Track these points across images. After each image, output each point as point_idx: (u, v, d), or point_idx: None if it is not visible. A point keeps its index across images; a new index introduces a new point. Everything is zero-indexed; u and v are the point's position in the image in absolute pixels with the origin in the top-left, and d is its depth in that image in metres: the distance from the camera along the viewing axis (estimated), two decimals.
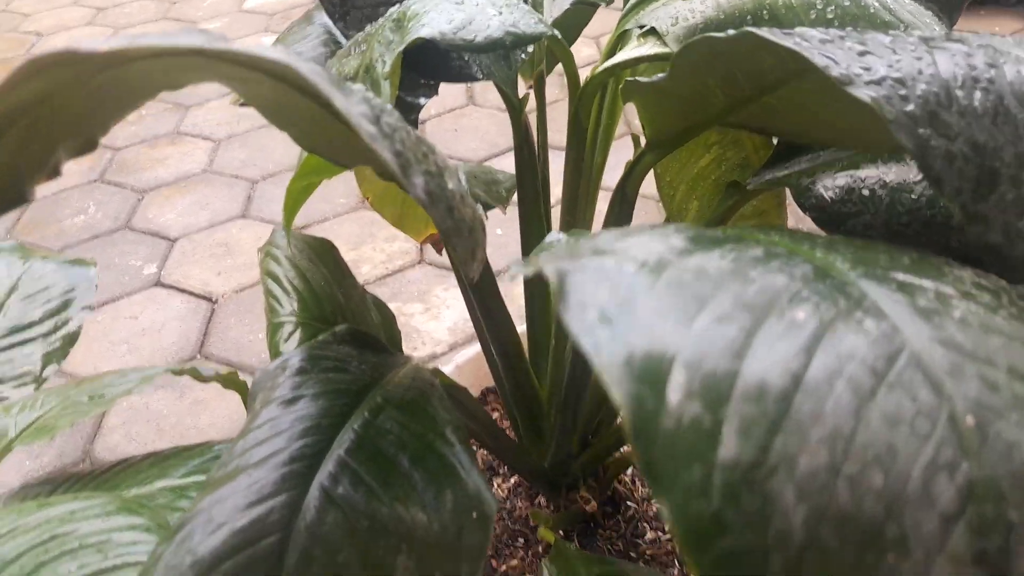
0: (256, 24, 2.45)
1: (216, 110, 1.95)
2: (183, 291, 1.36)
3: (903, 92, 0.26)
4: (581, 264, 0.19)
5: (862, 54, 0.28)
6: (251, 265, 1.41)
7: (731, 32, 0.29)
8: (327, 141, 0.32)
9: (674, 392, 0.17)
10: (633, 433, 0.17)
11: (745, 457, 0.17)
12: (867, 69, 0.27)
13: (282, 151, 1.75)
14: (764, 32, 0.28)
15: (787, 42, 0.26)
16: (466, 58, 0.49)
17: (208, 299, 1.34)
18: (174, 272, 1.41)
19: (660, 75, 0.34)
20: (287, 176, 1.66)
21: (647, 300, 0.18)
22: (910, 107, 0.26)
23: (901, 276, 0.21)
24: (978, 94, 0.27)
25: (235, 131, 1.85)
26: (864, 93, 0.25)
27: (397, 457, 0.31)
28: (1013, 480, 0.17)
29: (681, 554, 0.17)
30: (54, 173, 0.26)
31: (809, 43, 0.27)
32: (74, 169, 1.74)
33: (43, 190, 1.67)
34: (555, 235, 0.30)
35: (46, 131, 0.22)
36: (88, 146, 0.28)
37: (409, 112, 0.51)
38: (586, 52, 2.05)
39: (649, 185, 0.67)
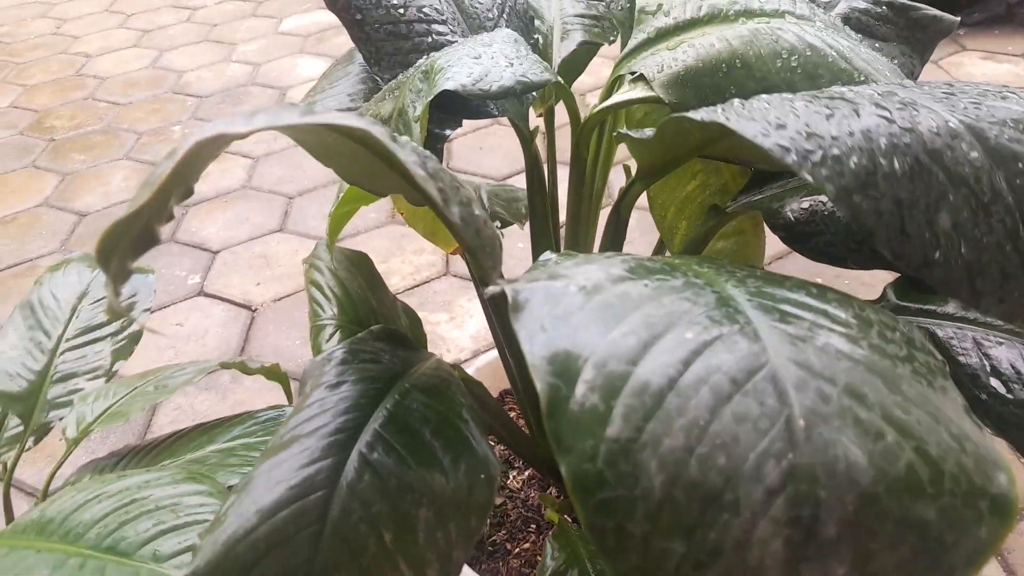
0: (292, 46, 2.56)
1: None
2: (224, 300, 1.45)
3: (839, 168, 0.33)
4: (534, 286, 0.26)
5: (808, 136, 0.34)
6: (288, 276, 1.50)
7: (703, 118, 0.35)
8: (370, 176, 0.39)
9: (581, 385, 0.24)
10: (546, 412, 0.24)
11: (624, 435, 0.23)
12: (810, 152, 0.33)
13: (317, 167, 1.84)
14: (733, 123, 0.34)
15: (749, 131, 0.33)
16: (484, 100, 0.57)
17: (248, 308, 1.43)
18: (216, 282, 1.50)
19: (648, 131, 0.41)
20: (322, 192, 1.75)
21: (578, 315, 0.25)
22: (845, 181, 0.33)
23: (788, 307, 0.28)
24: (896, 160, 0.33)
25: (272, 149, 1.95)
26: (813, 175, 0.32)
27: (421, 430, 0.39)
28: (824, 468, 0.23)
29: (574, 503, 0.23)
30: (170, 217, 0.33)
31: (767, 133, 0.33)
32: (123, 187, 1.84)
33: (94, 205, 1.78)
34: (548, 255, 0.37)
35: (177, 187, 0.30)
36: (188, 193, 0.36)
37: (436, 142, 0.59)
38: (604, 72, 2.13)
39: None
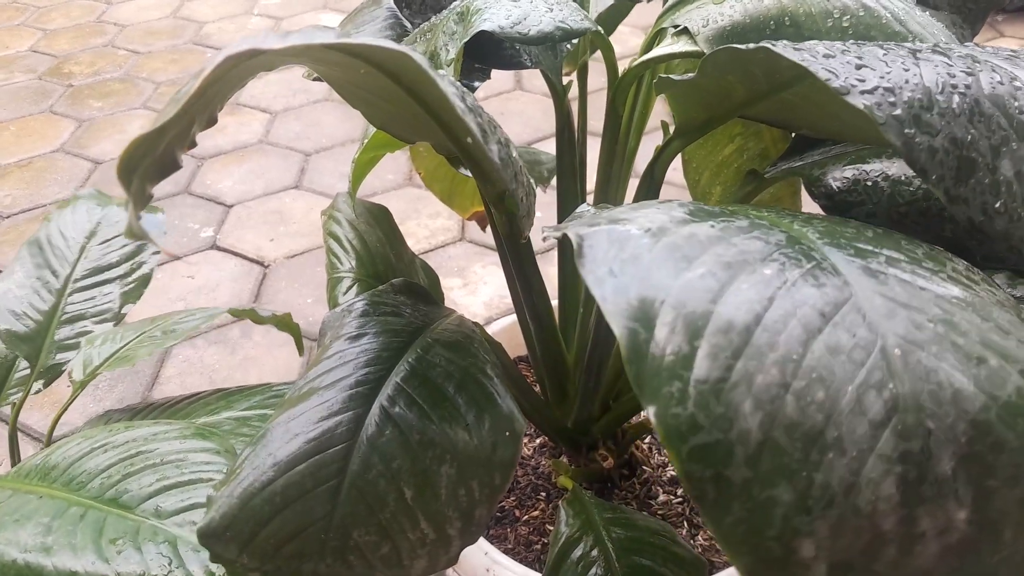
0: (315, 1, 2.52)
1: (274, 83, 2.02)
2: (237, 255, 1.44)
3: (892, 99, 0.31)
4: (597, 230, 0.25)
5: (858, 67, 0.33)
6: (302, 233, 1.48)
7: (751, 45, 0.34)
8: (399, 119, 0.38)
9: (661, 327, 0.22)
10: (627, 358, 0.22)
11: (713, 375, 0.22)
12: (862, 80, 0.32)
13: (335, 125, 1.82)
14: (778, 47, 0.33)
15: (795, 56, 0.31)
16: (517, 47, 0.55)
17: (260, 263, 1.42)
18: (229, 236, 1.49)
19: (690, 74, 0.39)
20: (339, 150, 1.73)
21: (647, 258, 0.24)
22: (897, 111, 0.31)
23: (861, 245, 0.26)
24: (956, 98, 0.32)
25: (291, 104, 1.92)
26: (859, 101, 0.30)
27: (444, 385, 0.37)
28: (929, 396, 0.22)
29: (666, 453, 0.22)
30: (192, 144, 0.32)
31: (814, 58, 0.32)
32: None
33: (110, 152, 1.77)
34: (585, 207, 0.36)
35: (202, 111, 0.28)
36: (212, 121, 0.34)
37: None
38: (634, 42, 2.09)
39: (676, 175, 0.71)
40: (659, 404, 0.22)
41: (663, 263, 0.24)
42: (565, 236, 0.26)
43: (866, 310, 0.23)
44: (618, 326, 0.22)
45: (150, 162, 0.24)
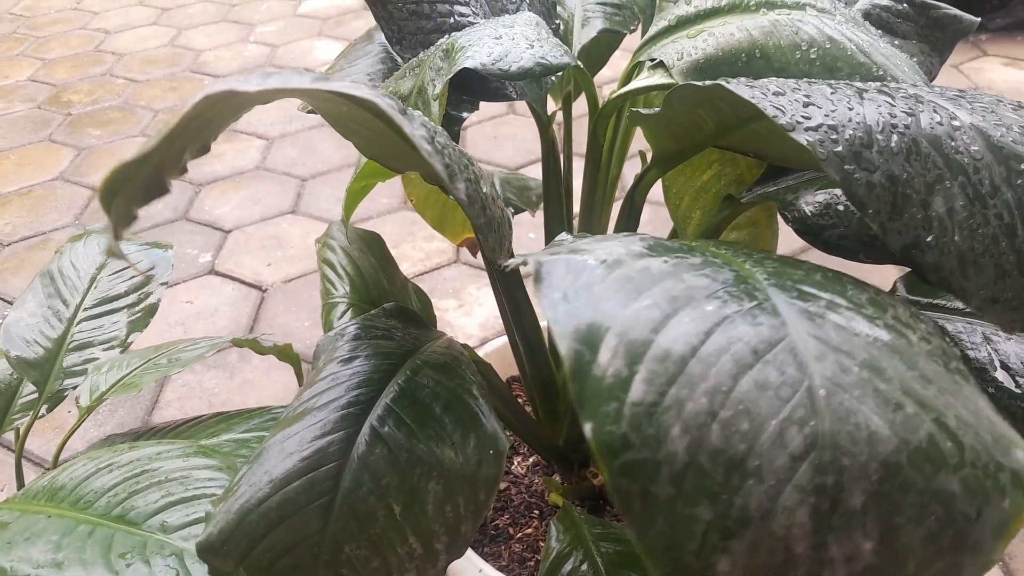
0: (310, 28, 2.56)
1: (270, 110, 2.05)
2: (235, 279, 1.46)
3: (834, 136, 0.33)
4: (557, 258, 0.27)
5: (806, 105, 0.35)
6: (299, 258, 1.50)
7: (708, 83, 0.36)
8: (386, 151, 0.40)
9: (604, 351, 0.24)
10: (570, 377, 0.24)
11: (647, 399, 0.24)
12: (807, 118, 0.34)
13: (331, 151, 1.85)
14: (731, 85, 0.35)
15: (746, 94, 0.33)
16: (503, 81, 0.57)
17: (258, 288, 1.44)
18: (227, 261, 1.51)
19: (657, 108, 0.41)
20: (335, 175, 1.75)
21: (599, 287, 0.26)
22: (839, 148, 0.33)
23: (807, 287, 0.28)
24: (895, 137, 0.34)
25: (287, 131, 1.95)
26: (802, 137, 0.32)
27: (432, 406, 0.39)
28: (847, 436, 0.23)
29: (598, 466, 0.24)
30: (183, 171, 0.34)
31: (764, 95, 0.35)
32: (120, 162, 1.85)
33: None
34: (563, 235, 0.38)
35: (191, 141, 0.30)
36: (204, 150, 0.36)
37: (452, 124, 0.59)
38: (623, 64, 2.12)
39: (660, 194, 0.73)
40: (596, 421, 0.23)
41: (614, 293, 0.26)
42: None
43: (799, 351, 0.25)
44: (564, 347, 0.24)
45: (133, 186, 0.26)
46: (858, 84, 0.36)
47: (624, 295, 0.25)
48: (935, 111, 0.34)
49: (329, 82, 0.28)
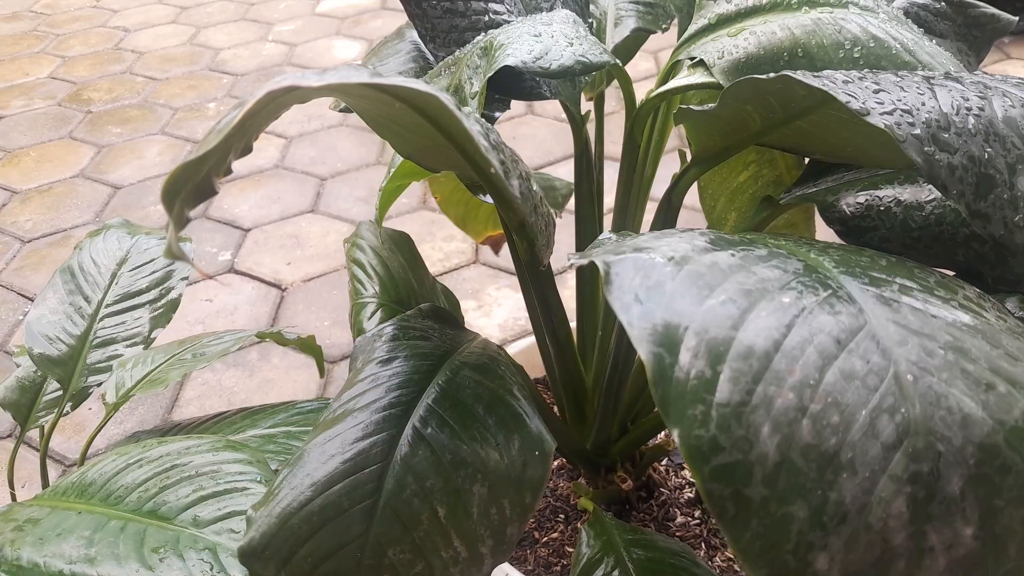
0: (328, 27, 2.56)
1: (289, 110, 2.05)
2: (255, 278, 1.46)
3: (910, 120, 0.32)
4: (623, 257, 0.26)
5: (876, 92, 0.34)
6: (319, 257, 1.50)
7: (771, 75, 0.36)
8: (427, 149, 0.39)
9: (685, 352, 0.24)
10: (652, 382, 0.24)
11: (734, 399, 0.23)
12: (880, 103, 0.33)
13: (350, 150, 1.85)
14: (798, 75, 0.34)
15: (816, 83, 0.33)
16: (537, 79, 0.57)
17: (278, 287, 1.44)
18: (247, 260, 1.51)
19: (710, 105, 0.40)
20: (354, 175, 1.75)
21: (671, 285, 0.25)
22: (916, 131, 0.32)
23: (875, 273, 0.28)
24: (971, 119, 0.33)
25: (306, 130, 1.95)
26: (879, 121, 0.32)
27: (474, 406, 0.38)
28: (940, 421, 0.23)
29: (690, 472, 0.23)
30: (228, 171, 0.33)
31: (834, 83, 0.34)
32: (157, 160, 1.86)
33: (129, 178, 1.80)
34: (607, 234, 0.37)
35: (240, 140, 0.30)
36: (248, 150, 0.35)
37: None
38: (644, 66, 2.12)
39: (692, 198, 0.72)
40: (683, 426, 0.23)
41: (686, 290, 0.25)
42: (591, 263, 0.28)
43: (880, 337, 0.25)
44: (644, 351, 0.24)
45: (190, 188, 0.26)
46: (922, 73, 0.35)
47: (697, 292, 0.24)
48: (1004, 95, 0.33)
49: (387, 78, 0.27)
